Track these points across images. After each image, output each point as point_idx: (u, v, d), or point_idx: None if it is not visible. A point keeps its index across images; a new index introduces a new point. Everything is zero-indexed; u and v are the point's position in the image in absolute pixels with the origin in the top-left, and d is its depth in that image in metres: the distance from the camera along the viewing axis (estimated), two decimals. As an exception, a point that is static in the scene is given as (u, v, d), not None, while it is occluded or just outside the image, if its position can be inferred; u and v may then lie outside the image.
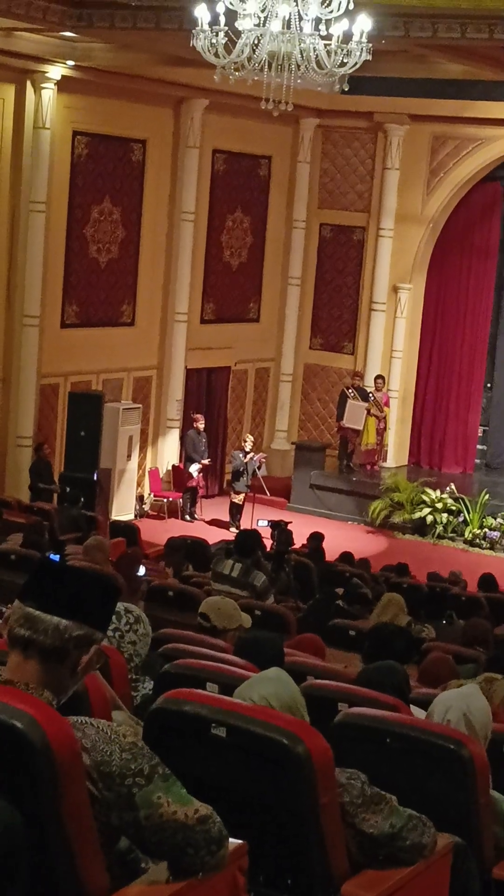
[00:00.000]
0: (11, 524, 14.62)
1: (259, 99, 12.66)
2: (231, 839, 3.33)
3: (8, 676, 3.20)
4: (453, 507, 22.91)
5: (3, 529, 14.16)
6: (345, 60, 11.96)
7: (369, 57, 12.07)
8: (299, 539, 17.35)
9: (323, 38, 11.85)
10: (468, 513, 22.72)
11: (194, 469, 23.11)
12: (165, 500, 23.49)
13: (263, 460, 24.04)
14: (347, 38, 11.89)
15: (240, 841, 3.42)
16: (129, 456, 22.51)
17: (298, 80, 12.15)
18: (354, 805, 3.90)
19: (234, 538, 13.19)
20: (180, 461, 23.72)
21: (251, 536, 12.20)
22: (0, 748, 3.00)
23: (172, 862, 3.25)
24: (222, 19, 11.84)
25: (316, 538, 17.25)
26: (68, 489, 19.35)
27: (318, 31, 11.80)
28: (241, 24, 11.85)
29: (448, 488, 23.32)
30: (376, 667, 5.94)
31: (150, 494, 23.69)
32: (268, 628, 8.60)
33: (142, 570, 12.09)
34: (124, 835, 3.22)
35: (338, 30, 11.79)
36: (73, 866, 3.05)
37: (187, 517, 23.18)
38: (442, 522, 22.76)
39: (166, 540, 16.21)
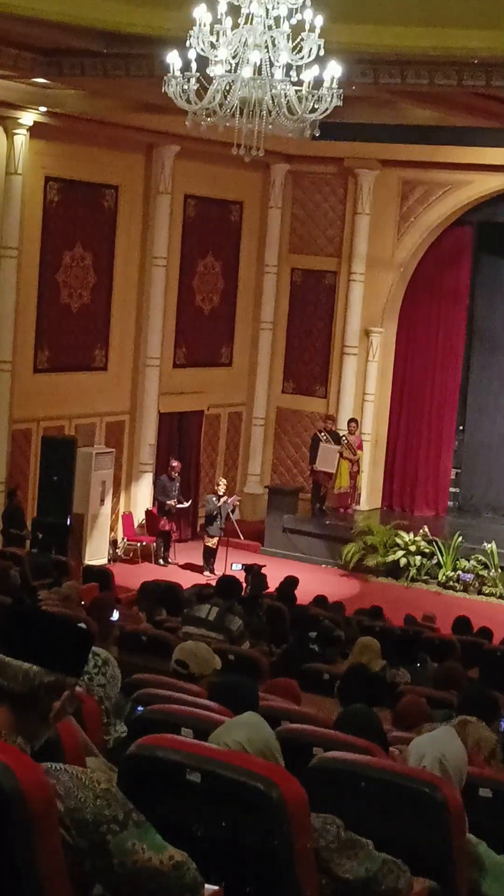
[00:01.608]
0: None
1: (230, 145, 12.73)
2: (206, 885, 3.31)
3: (-20, 723, 3.18)
4: (426, 550, 22.93)
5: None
6: (315, 106, 12.05)
7: (340, 103, 12.16)
8: (273, 583, 17.33)
9: (294, 84, 11.94)
10: (441, 555, 22.74)
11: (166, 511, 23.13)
12: (139, 544, 23.45)
13: (237, 503, 24.04)
14: (318, 84, 11.98)
15: (215, 887, 3.40)
16: (102, 500, 22.46)
17: (269, 126, 12.22)
18: (329, 850, 3.88)
19: (216, 582, 13.20)
20: (153, 506, 23.69)
21: (233, 581, 12.38)
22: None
23: (147, 909, 3.22)
24: (194, 65, 11.91)
25: (288, 583, 17.22)
26: (40, 535, 19.28)
27: (289, 77, 11.89)
28: (212, 70, 11.92)
29: (421, 531, 23.34)
30: (354, 711, 5.92)
31: (123, 539, 23.64)
32: (241, 673, 8.57)
33: (115, 615, 12.04)
34: (98, 882, 3.20)
35: (308, 76, 11.88)
36: (46, 915, 3.02)
37: (161, 561, 23.14)
38: (415, 565, 22.76)
39: (140, 584, 16.15)
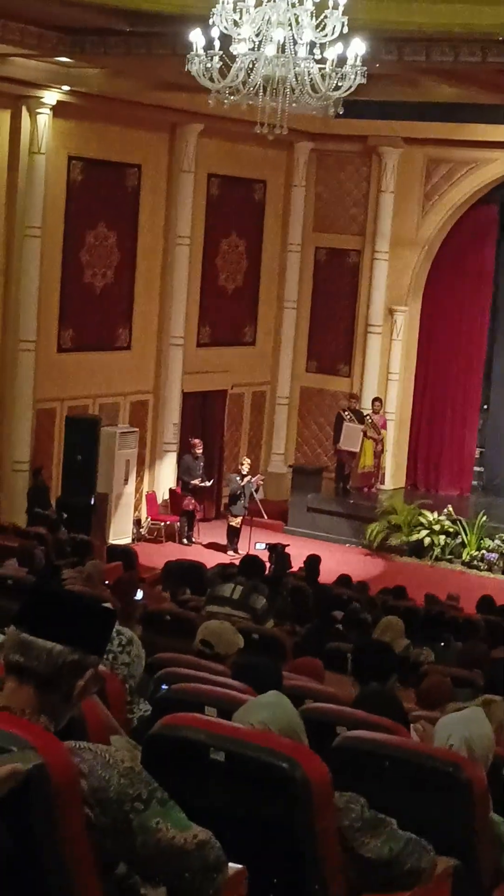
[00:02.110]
0: (7, 549, 14.58)
1: (253, 123, 12.70)
2: (230, 864, 3.31)
3: (4, 703, 3.18)
4: (451, 529, 22.89)
5: (-1, 554, 14.11)
6: (339, 84, 12.00)
7: (363, 80, 12.11)
8: (297, 562, 17.34)
9: (317, 62, 11.89)
10: (466, 535, 22.70)
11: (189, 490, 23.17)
12: (162, 523, 23.47)
13: (261, 483, 24.03)
14: (342, 61, 11.93)
15: (239, 866, 3.40)
16: (126, 480, 22.48)
17: (293, 104, 12.18)
18: (353, 829, 3.88)
19: (240, 561, 13.21)
20: (177, 485, 23.71)
21: (257, 560, 12.39)
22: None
23: (171, 887, 3.23)
24: (217, 44, 11.88)
25: (312, 561, 17.23)
26: (65, 514, 19.31)
27: (313, 55, 11.84)
28: (235, 49, 11.89)
29: (445, 510, 23.31)
30: (373, 691, 5.92)
31: (147, 518, 23.67)
32: (265, 652, 8.58)
33: (139, 595, 12.06)
34: (122, 860, 3.20)
35: (332, 54, 11.83)
36: (70, 892, 3.03)
37: (185, 541, 23.16)
38: (439, 544, 22.73)
39: (164, 564, 16.19)
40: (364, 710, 5.47)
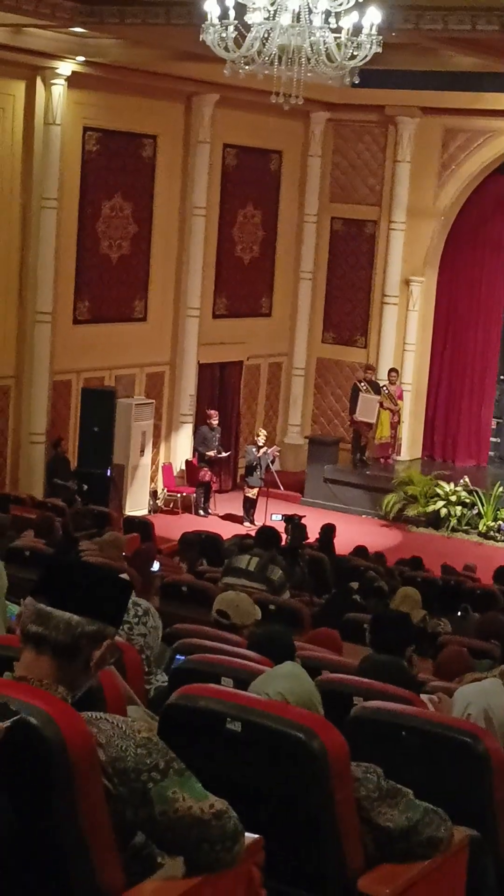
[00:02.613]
0: (25, 521, 14.63)
1: (269, 93, 12.64)
2: (247, 834, 3.32)
3: (22, 673, 3.20)
4: (467, 500, 22.88)
5: (16, 526, 14.17)
6: (355, 53, 11.94)
7: (379, 50, 12.04)
8: (313, 534, 17.34)
9: (333, 31, 11.83)
10: (482, 505, 22.69)
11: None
12: (179, 495, 23.50)
13: (277, 454, 24.02)
14: (357, 30, 11.87)
15: (256, 836, 3.41)
16: (142, 451, 22.50)
17: (309, 74, 12.12)
18: (370, 799, 3.89)
19: (255, 533, 13.20)
20: (193, 456, 23.72)
21: (272, 531, 12.39)
22: (15, 744, 2.99)
23: (188, 857, 3.24)
24: (232, 13, 11.82)
25: (326, 531, 17.24)
26: (85, 486, 19.36)
27: (328, 24, 11.78)
28: (250, 18, 11.83)
29: (462, 481, 23.28)
30: (379, 660, 5.93)
31: (163, 490, 23.69)
32: (282, 623, 8.59)
33: (156, 566, 12.09)
34: (140, 830, 3.22)
35: (348, 23, 11.76)
36: (88, 862, 3.04)
37: (201, 512, 23.18)
38: (456, 515, 22.73)
39: (180, 535, 16.21)
40: (369, 676, 5.48)
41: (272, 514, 18.17)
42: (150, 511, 22.64)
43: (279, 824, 3.73)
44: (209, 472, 23.27)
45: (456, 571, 16.72)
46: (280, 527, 14.62)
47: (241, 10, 11.85)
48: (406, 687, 5.62)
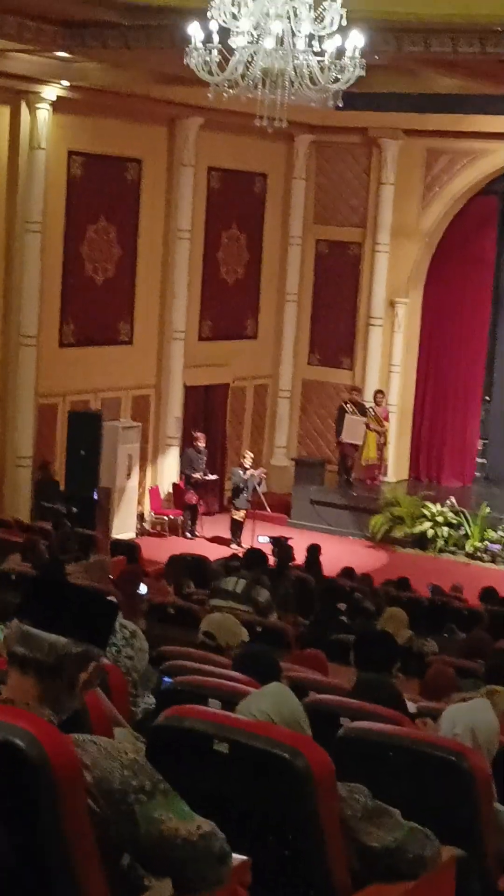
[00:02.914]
0: (11, 544, 14.60)
1: (253, 116, 12.68)
2: (234, 855, 3.32)
3: (7, 695, 3.20)
4: (454, 521, 22.90)
5: (1, 549, 14.14)
6: (338, 76, 11.98)
7: (363, 72, 12.09)
8: (300, 555, 17.35)
9: (316, 54, 11.87)
10: (469, 526, 22.71)
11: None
12: (166, 517, 23.49)
13: (263, 476, 24.04)
14: (340, 53, 11.91)
15: (243, 857, 3.41)
16: (128, 474, 22.49)
17: (292, 97, 12.16)
18: (356, 819, 3.89)
19: (242, 554, 13.22)
20: (180, 479, 23.72)
21: (259, 553, 12.43)
22: (1, 767, 2.99)
23: (175, 878, 3.24)
24: (215, 37, 11.86)
25: (312, 551, 17.25)
26: (74, 509, 19.34)
27: (312, 47, 11.82)
28: (234, 42, 11.87)
29: (448, 501, 23.31)
30: (370, 679, 5.93)
31: (150, 512, 23.68)
32: (269, 644, 8.59)
33: (143, 589, 12.07)
34: (126, 851, 3.22)
35: (331, 46, 11.81)
36: (74, 884, 3.04)
37: (188, 534, 23.18)
38: (443, 536, 22.75)
39: (168, 557, 16.20)
40: (361, 698, 5.49)
41: (259, 536, 18.21)
42: (137, 534, 22.62)
43: (266, 844, 3.73)
44: (196, 495, 23.27)
45: (444, 592, 16.74)
46: (267, 548, 14.64)
47: (224, 33, 11.89)
48: (396, 705, 5.63)
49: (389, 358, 25.56)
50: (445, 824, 4.19)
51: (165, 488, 23.94)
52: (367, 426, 24.48)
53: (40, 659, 3.17)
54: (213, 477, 23.77)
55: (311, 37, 11.77)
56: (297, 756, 3.68)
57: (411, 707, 6.18)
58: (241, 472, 23.06)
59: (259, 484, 23.49)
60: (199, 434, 23.56)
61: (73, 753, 3.08)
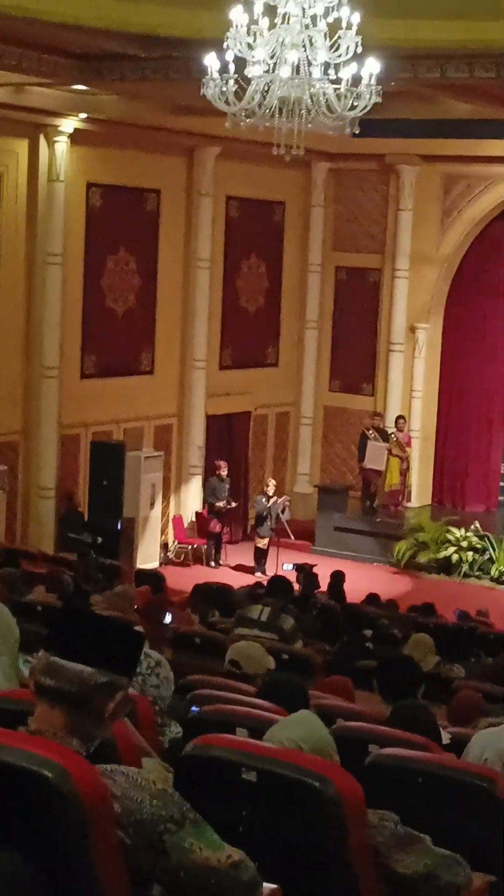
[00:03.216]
0: (35, 575, 14.61)
1: (270, 145, 12.72)
2: (265, 884, 3.31)
3: (36, 726, 3.20)
4: (478, 545, 22.84)
5: (26, 580, 14.15)
6: (355, 104, 12.01)
7: (379, 99, 12.12)
8: (324, 582, 17.32)
9: (332, 82, 11.90)
10: (494, 550, 22.64)
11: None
12: (190, 546, 23.48)
13: (287, 504, 24.02)
14: (357, 81, 11.94)
15: (274, 885, 3.39)
16: (152, 504, 22.51)
17: (309, 125, 12.19)
18: (387, 846, 3.87)
19: (265, 582, 13.21)
20: (203, 508, 23.72)
21: (283, 580, 12.41)
22: (30, 798, 2.99)
23: (206, 908, 3.22)
24: (232, 67, 11.90)
25: (336, 578, 17.22)
26: (100, 539, 19.35)
27: (328, 75, 11.85)
28: (250, 71, 11.91)
29: (472, 526, 23.25)
30: (406, 706, 5.91)
31: (174, 542, 23.68)
32: (295, 672, 8.56)
33: (168, 618, 12.07)
34: (156, 882, 3.20)
35: (347, 73, 11.84)
36: (105, 915, 3.03)
37: (212, 563, 23.16)
38: (468, 561, 22.68)
39: (192, 586, 16.19)
40: (396, 724, 5.47)
41: (283, 564, 18.19)
42: (161, 563, 22.62)
43: (296, 873, 3.72)
44: (219, 524, 23.26)
45: (470, 617, 16.68)
46: (291, 576, 14.63)
47: (240, 63, 11.94)
48: (430, 732, 5.60)
49: (411, 383, 25.55)
50: (476, 850, 4.16)
51: (189, 517, 23.95)
52: (390, 452, 24.45)
53: (68, 690, 3.17)
54: (236, 505, 23.76)
55: (327, 65, 11.81)
56: (326, 784, 3.66)
57: (445, 737, 6.14)
58: (264, 500, 23.05)
59: (282, 511, 23.47)
60: (221, 462, 23.57)
61: (102, 784, 3.08)
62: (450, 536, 23.00)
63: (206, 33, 13.87)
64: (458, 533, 23.01)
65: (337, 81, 11.89)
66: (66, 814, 2.97)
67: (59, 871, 2.98)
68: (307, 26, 11.70)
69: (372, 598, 17.17)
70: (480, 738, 4.95)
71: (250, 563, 22.89)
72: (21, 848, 2.99)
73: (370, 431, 24.83)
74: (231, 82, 11.97)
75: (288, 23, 11.69)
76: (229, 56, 11.84)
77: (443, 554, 22.84)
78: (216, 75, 12.05)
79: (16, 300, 20.67)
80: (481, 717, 7.58)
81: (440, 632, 13.84)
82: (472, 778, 4.44)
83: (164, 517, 23.45)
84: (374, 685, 6.64)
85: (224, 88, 12.02)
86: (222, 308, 24.70)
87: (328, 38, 11.68)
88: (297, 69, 11.79)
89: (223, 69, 11.99)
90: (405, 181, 25.18)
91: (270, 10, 11.65)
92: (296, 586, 14.72)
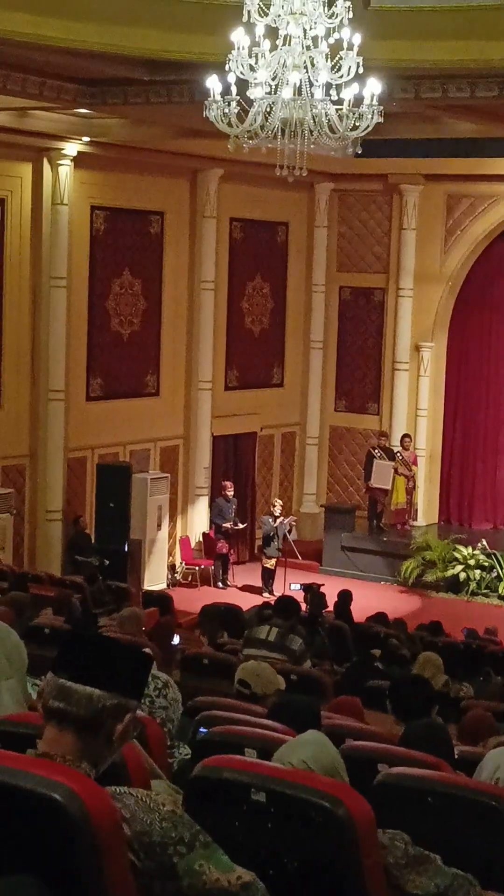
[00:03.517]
0: (43, 598, 14.59)
1: (273, 166, 12.75)
2: (275, 905, 3.30)
3: (45, 749, 3.19)
4: (486, 563, 22.82)
5: (34, 604, 14.14)
6: (357, 124, 12.04)
7: (381, 119, 12.14)
8: (332, 602, 17.29)
9: (334, 102, 11.93)
10: (501, 568, 22.61)
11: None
12: (197, 567, 23.47)
13: (293, 524, 24.01)
14: (358, 101, 11.97)
15: (284, 907, 3.39)
16: (159, 525, 22.52)
17: (312, 146, 12.22)
18: (398, 866, 3.86)
19: (273, 603, 13.20)
20: (210, 529, 23.72)
21: (291, 600, 12.39)
22: (40, 822, 2.98)
23: (217, 930, 3.22)
24: (234, 89, 11.94)
25: (342, 597, 17.19)
26: (107, 562, 19.34)
27: (329, 96, 11.88)
28: (252, 93, 11.95)
29: (479, 544, 23.23)
30: (420, 725, 5.90)
31: (181, 563, 23.68)
32: (304, 692, 8.55)
33: (176, 639, 12.06)
34: (167, 904, 3.20)
35: (349, 94, 11.87)
36: (117, 938, 3.02)
37: (220, 584, 23.15)
38: (475, 579, 22.66)
39: (200, 608, 16.18)
40: (410, 744, 5.45)
41: (291, 584, 18.16)
42: (168, 585, 22.62)
43: (306, 894, 3.71)
44: (226, 544, 23.26)
45: (478, 635, 16.65)
46: (299, 596, 14.60)
47: (242, 85, 11.98)
48: (445, 748, 5.58)
49: (416, 402, 25.56)
50: (487, 870, 4.15)
51: (196, 538, 23.95)
52: (396, 471, 24.45)
53: (77, 713, 3.16)
54: (243, 525, 23.76)
55: (328, 85, 11.84)
56: (337, 805, 3.65)
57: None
58: (270, 521, 23.05)
59: (289, 531, 23.46)
60: (227, 483, 23.58)
61: (113, 807, 3.07)
62: (457, 555, 22.98)
63: (208, 56, 13.94)
64: (466, 551, 22.99)
65: (339, 102, 11.92)
66: (76, 837, 2.97)
67: (72, 894, 2.98)
68: (308, 47, 11.74)
69: (380, 617, 17.15)
70: (493, 756, 4.94)
71: (258, 583, 22.88)
72: (33, 872, 2.99)
73: (376, 451, 24.84)
74: (233, 104, 12.00)
75: (289, 44, 11.73)
76: (231, 78, 11.87)
77: (450, 572, 22.82)
78: (218, 97, 12.08)
79: (21, 324, 20.72)
80: (491, 736, 7.57)
81: (449, 651, 13.83)
82: (483, 797, 4.42)
83: (171, 538, 23.46)
84: (387, 705, 6.62)
85: (226, 110, 12.05)
86: (227, 329, 24.75)
87: (329, 59, 11.71)
88: (298, 90, 11.82)
89: (225, 91, 12.02)
90: (408, 200, 25.24)
91: (272, 32, 11.68)
92: (303, 606, 14.69)
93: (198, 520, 24.04)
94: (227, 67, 11.78)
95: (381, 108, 12.04)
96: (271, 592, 21.87)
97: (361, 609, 17.54)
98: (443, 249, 25.25)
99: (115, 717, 3.20)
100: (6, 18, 13.86)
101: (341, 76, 11.69)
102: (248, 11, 11.34)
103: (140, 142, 21.13)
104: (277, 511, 23.32)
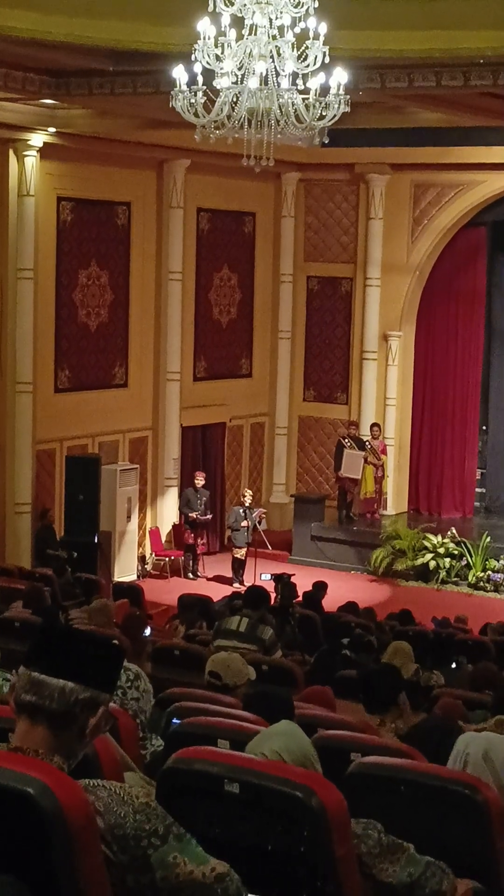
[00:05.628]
0: (13, 591, 14.57)
1: (240, 156, 12.73)
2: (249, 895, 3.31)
3: (17, 743, 3.18)
4: (455, 552, 22.88)
5: (4, 597, 14.11)
6: (323, 113, 12.03)
7: (347, 109, 12.13)
8: (303, 591, 17.30)
9: (301, 92, 11.92)
10: (470, 556, 22.68)
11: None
12: (167, 559, 23.46)
13: (263, 516, 24.02)
14: (325, 91, 11.96)
15: (258, 897, 3.39)
16: (128, 517, 22.48)
17: (278, 136, 12.20)
18: (371, 855, 3.87)
19: (243, 593, 13.20)
20: (179, 519, 23.71)
21: (261, 591, 12.40)
22: (12, 816, 2.97)
23: (192, 922, 3.21)
24: (200, 79, 11.92)
25: (316, 588, 17.20)
26: (75, 554, 19.31)
27: (296, 85, 11.86)
28: (218, 83, 11.92)
29: (449, 533, 23.30)
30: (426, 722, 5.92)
31: (151, 554, 23.65)
32: (275, 683, 8.56)
33: (147, 631, 12.04)
34: (142, 896, 3.20)
35: (315, 84, 11.85)
36: (91, 932, 3.01)
37: (190, 575, 23.14)
38: (445, 567, 22.72)
39: (178, 597, 16.18)
40: (413, 744, 5.46)
41: (261, 574, 18.15)
42: (139, 576, 22.60)
43: (281, 884, 3.71)
44: (192, 535, 23.24)
45: (449, 623, 16.69)
46: (270, 586, 14.60)
47: (208, 75, 11.95)
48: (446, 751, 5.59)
49: (385, 391, 25.60)
50: (461, 857, 4.17)
51: (166, 529, 23.93)
52: (365, 460, 24.49)
53: (50, 706, 3.15)
54: (210, 516, 23.73)
55: (294, 75, 11.82)
56: (310, 795, 3.65)
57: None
58: (241, 511, 23.05)
59: (259, 522, 23.47)
60: (199, 473, 23.58)
61: (86, 800, 3.06)
62: (427, 543, 23.04)
63: (174, 46, 13.91)
64: (435, 540, 23.05)
65: (305, 91, 11.91)
66: (50, 831, 2.96)
67: (45, 888, 2.97)
68: (274, 37, 11.72)
69: (350, 607, 17.17)
70: (464, 737, 4.98)
71: (228, 574, 22.89)
72: (5, 867, 2.98)
73: (346, 440, 24.87)
74: (200, 94, 11.97)
75: (255, 34, 11.70)
76: (197, 68, 11.84)
77: (420, 561, 22.88)
78: (185, 87, 12.05)
79: (-12, 316, 20.64)
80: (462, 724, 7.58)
81: (419, 639, 13.86)
82: (455, 785, 4.44)
83: (141, 530, 23.44)
84: (360, 696, 6.63)
85: (193, 100, 12.02)
86: (195, 320, 24.72)
87: (296, 49, 11.70)
88: (265, 80, 11.80)
89: (191, 81, 11.99)
90: (375, 190, 25.26)
91: (238, 22, 11.65)
92: (274, 596, 14.69)
93: (167, 511, 24.03)
94: (193, 57, 11.75)
95: (348, 97, 12.04)
96: (242, 583, 21.88)
97: (332, 599, 17.56)
98: (410, 239, 25.28)
99: (88, 710, 3.19)
100: (-30, 9, 13.79)
101: (307, 66, 11.67)
102: (214, 1, 11.30)
103: (106, 132, 21.07)
104: (247, 501, 23.33)
